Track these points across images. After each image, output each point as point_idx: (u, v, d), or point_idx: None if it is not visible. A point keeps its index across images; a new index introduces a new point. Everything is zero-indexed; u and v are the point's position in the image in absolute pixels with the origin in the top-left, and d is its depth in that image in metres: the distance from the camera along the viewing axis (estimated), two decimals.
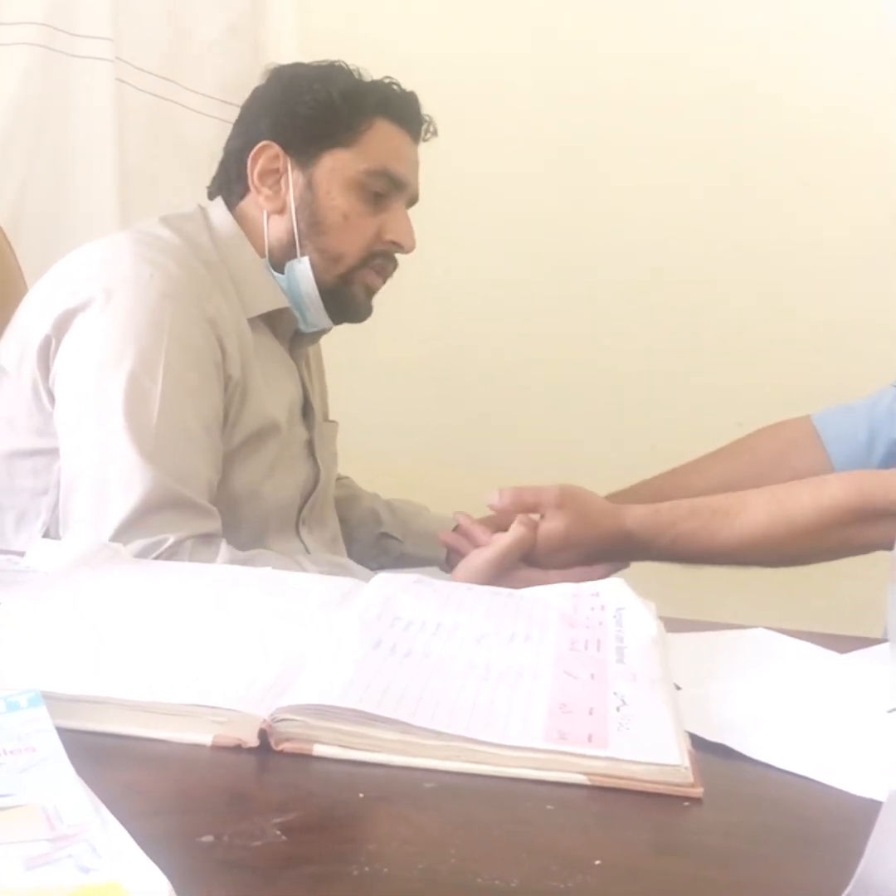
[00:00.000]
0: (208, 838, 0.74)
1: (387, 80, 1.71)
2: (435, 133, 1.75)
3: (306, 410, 1.75)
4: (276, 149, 1.66)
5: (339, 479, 1.94)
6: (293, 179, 1.66)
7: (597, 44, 2.74)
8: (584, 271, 2.79)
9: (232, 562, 1.44)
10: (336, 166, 1.65)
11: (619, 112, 2.75)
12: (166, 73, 2.53)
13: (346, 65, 1.71)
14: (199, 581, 1.23)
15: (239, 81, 2.36)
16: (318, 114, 1.65)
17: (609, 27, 2.74)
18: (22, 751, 0.80)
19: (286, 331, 1.71)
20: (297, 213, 1.65)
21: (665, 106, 2.73)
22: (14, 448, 1.58)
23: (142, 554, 1.41)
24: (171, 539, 1.42)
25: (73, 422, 1.51)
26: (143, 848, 0.70)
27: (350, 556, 1.85)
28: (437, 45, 2.72)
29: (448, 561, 1.81)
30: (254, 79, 1.79)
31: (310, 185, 1.66)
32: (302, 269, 1.66)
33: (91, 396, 1.49)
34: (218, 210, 1.70)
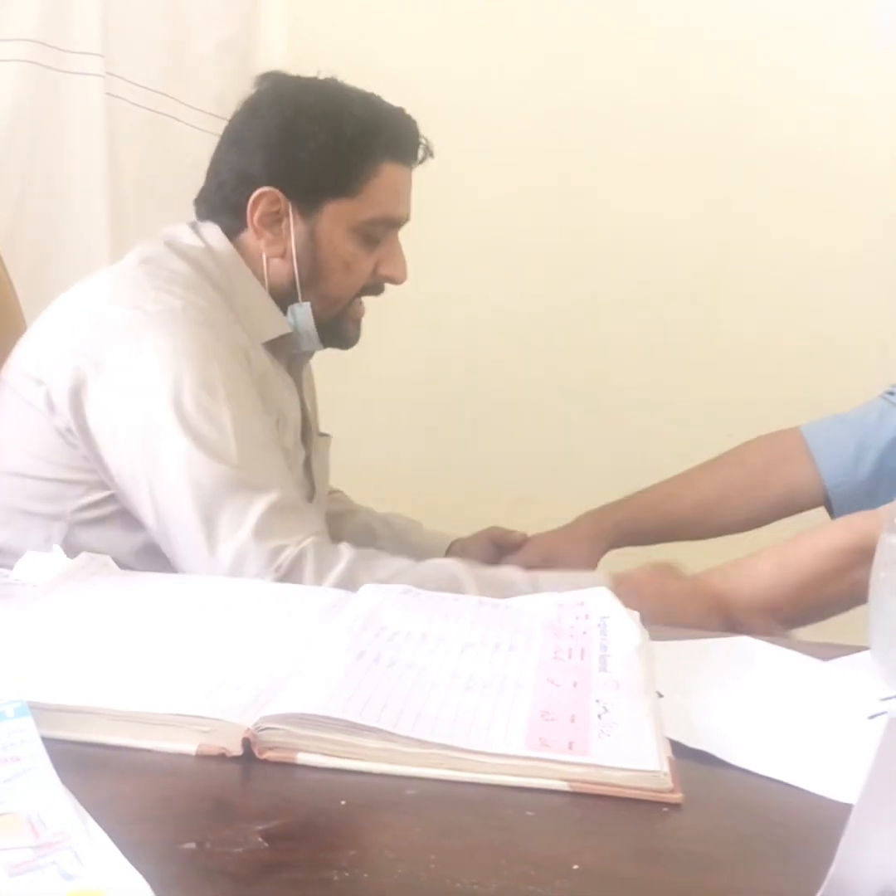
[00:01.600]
0: (191, 845, 0.75)
1: (390, 109, 1.67)
2: (431, 155, 1.71)
3: (305, 429, 1.75)
4: (276, 194, 1.62)
5: (331, 492, 1.95)
6: (295, 227, 1.63)
7: (591, 58, 2.75)
8: (577, 286, 2.80)
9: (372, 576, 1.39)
10: (339, 215, 1.62)
11: (612, 128, 2.76)
12: (159, 87, 2.54)
13: (351, 94, 1.66)
14: (184, 593, 1.24)
15: (232, 95, 2.37)
16: (322, 164, 1.61)
17: (602, 42, 2.75)
18: (7, 760, 0.81)
19: (286, 353, 1.70)
20: (298, 259, 1.63)
21: (656, 121, 2.75)
22: (14, 469, 1.57)
23: (262, 572, 1.38)
24: (290, 548, 1.40)
25: (140, 457, 1.46)
26: (126, 855, 0.71)
27: None
28: (428, 60, 2.74)
29: None
30: (246, 93, 1.74)
31: (312, 235, 1.63)
32: (303, 312, 1.65)
33: (154, 429, 1.45)
34: (216, 234, 1.66)
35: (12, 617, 1.10)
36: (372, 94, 1.67)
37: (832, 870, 0.70)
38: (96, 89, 2.45)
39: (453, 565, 1.48)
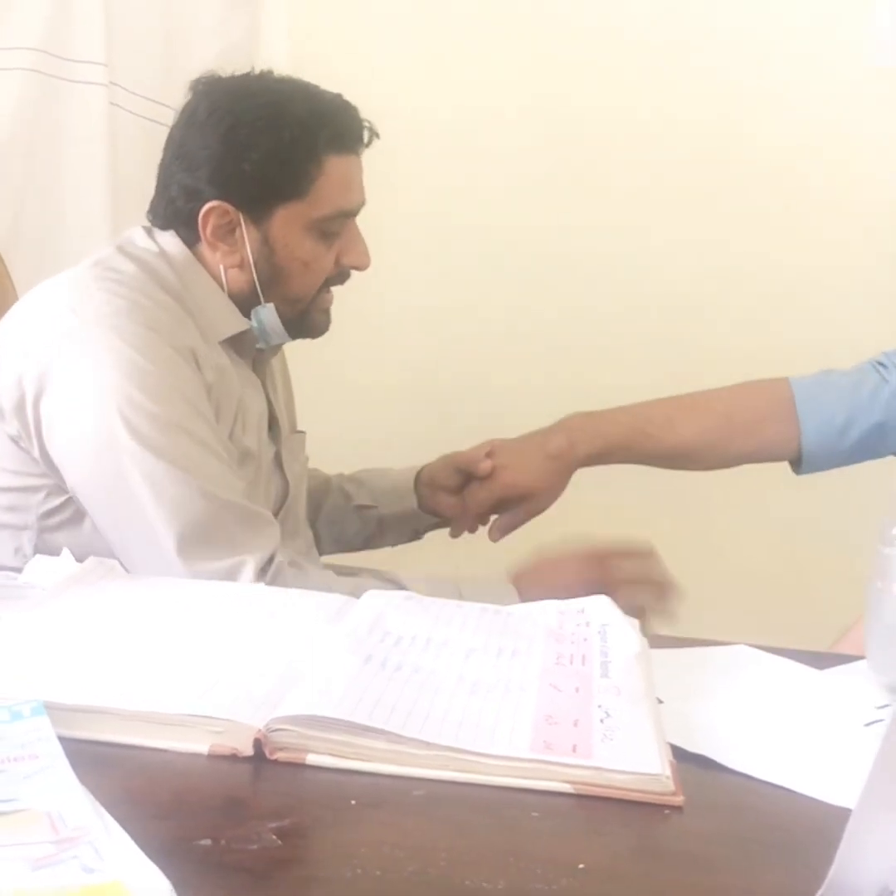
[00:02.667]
0: (206, 842, 0.77)
1: (328, 101, 1.62)
2: (377, 136, 1.66)
3: (272, 425, 1.74)
4: (225, 206, 1.59)
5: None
6: (248, 234, 1.61)
7: (586, 74, 2.76)
8: (570, 296, 2.81)
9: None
10: (291, 218, 1.60)
11: (607, 138, 2.77)
12: (160, 97, 2.55)
13: (287, 92, 1.61)
14: (192, 595, 1.26)
15: None
16: (266, 172, 1.58)
17: (597, 60, 2.77)
18: (25, 758, 0.83)
19: (248, 349, 1.69)
20: (256, 266, 1.62)
21: (651, 132, 2.76)
22: None
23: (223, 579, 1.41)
24: (251, 563, 1.43)
25: (87, 466, 1.48)
26: (143, 850, 0.72)
27: (337, 541, 1.91)
28: (429, 68, 2.75)
29: (421, 506, 1.86)
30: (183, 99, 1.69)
31: (266, 241, 1.61)
32: (267, 314, 1.64)
33: (104, 438, 1.46)
34: (171, 239, 1.64)
35: (24, 619, 1.12)
36: (307, 87, 1.64)
37: (832, 871, 0.72)
38: (99, 98, 2.46)
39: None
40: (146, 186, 1.69)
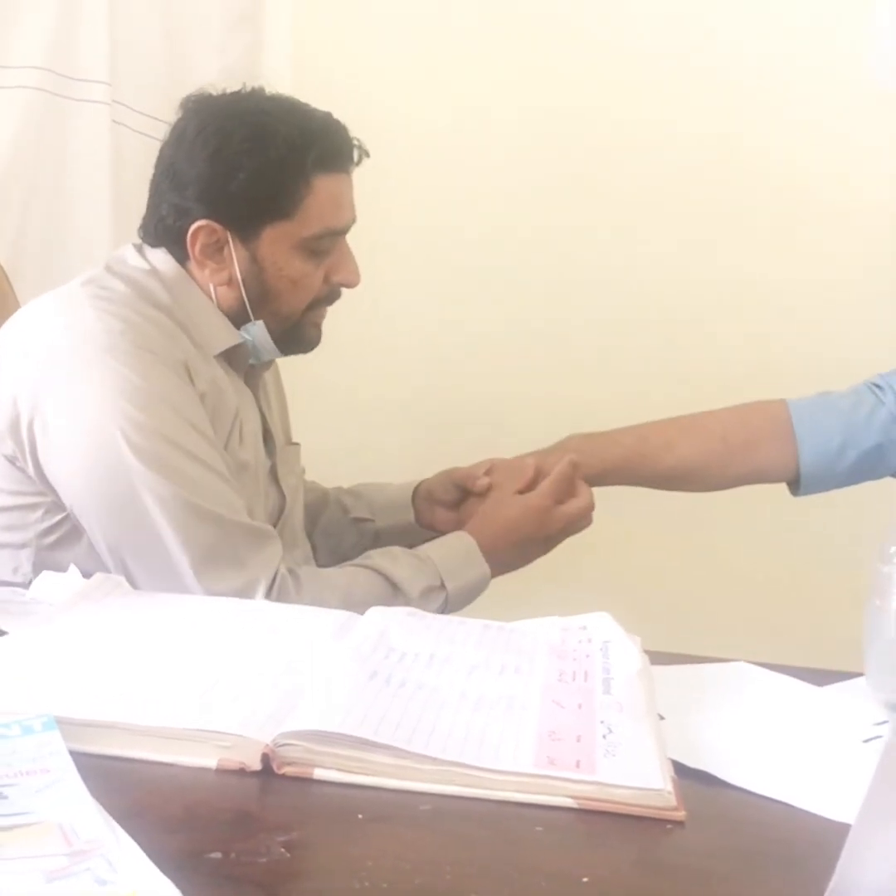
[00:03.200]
0: (216, 855, 0.79)
1: (317, 120, 1.61)
2: (367, 155, 1.66)
3: (266, 438, 1.75)
4: (213, 226, 1.59)
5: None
6: (236, 253, 1.61)
7: (589, 80, 2.76)
8: (569, 309, 2.82)
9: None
10: (279, 237, 1.61)
11: (608, 150, 2.78)
12: (163, 115, 2.55)
13: (276, 112, 1.60)
14: (198, 611, 1.27)
15: None
16: (254, 192, 1.58)
17: (601, 65, 2.77)
18: (37, 771, 0.84)
19: (241, 363, 1.69)
20: (244, 284, 1.62)
21: (652, 144, 2.77)
22: None
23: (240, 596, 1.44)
24: (263, 582, 1.46)
25: (90, 488, 1.49)
26: (154, 863, 0.74)
27: (334, 553, 1.90)
28: (430, 86, 2.77)
29: (417, 520, 1.88)
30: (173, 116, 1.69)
31: (254, 259, 1.62)
32: (257, 331, 1.65)
33: (108, 460, 1.47)
34: (163, 258, 1.64)
35: (34, 634, 1.13)
36: (296, 105, 1.63)
37: (832, 884, 0.74)
38: (102, 117, 2.48)
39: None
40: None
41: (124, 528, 1.48)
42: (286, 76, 2.66)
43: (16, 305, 2.03)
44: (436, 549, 1.65)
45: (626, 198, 2.79)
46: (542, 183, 2.80)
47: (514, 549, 1.70)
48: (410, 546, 1.91)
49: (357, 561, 1.63)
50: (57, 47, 2.44)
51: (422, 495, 1.88)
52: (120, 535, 1.48)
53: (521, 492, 1.74)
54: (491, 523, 1.71)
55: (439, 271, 2.80)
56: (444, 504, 1.85)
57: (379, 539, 1.90)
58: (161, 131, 2.51)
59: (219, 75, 2.61)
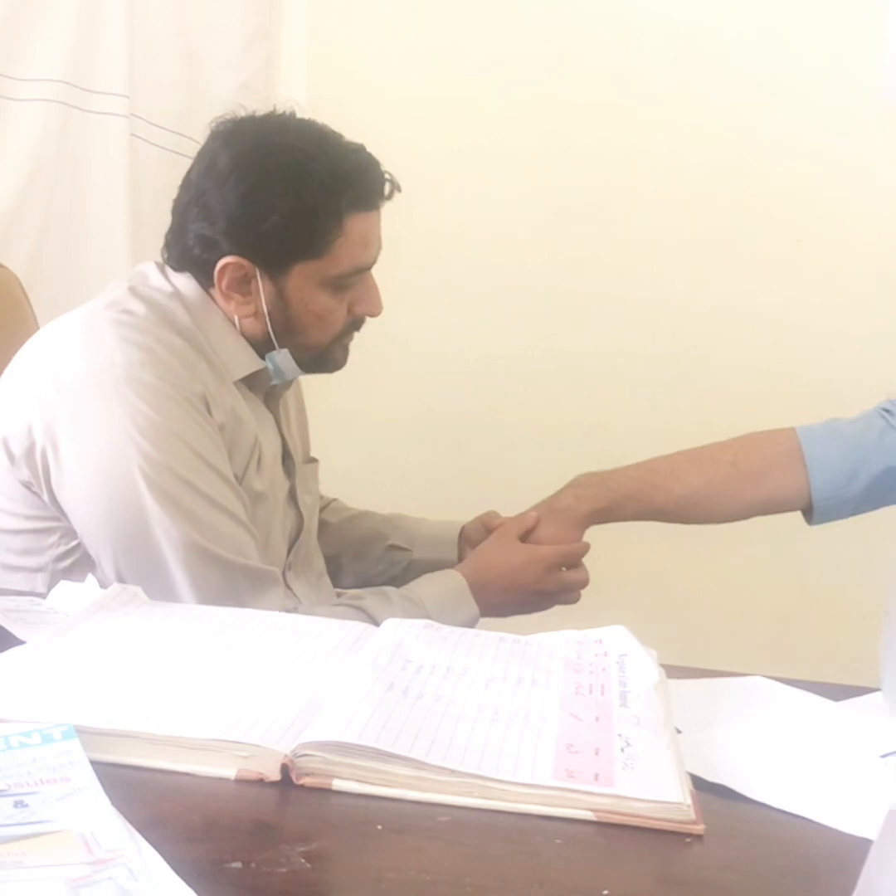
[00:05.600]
0: (237, 864, 0.79)
1: (351, 157, 1.59)
2: (399, 189, 1.64)
3: (285, 459, 1.75)
4: (241, 261, 1.57)
5: (328, 503, 1.98)
6: (264, 287, 1.60)
7: (600, 109, 2.79)
8: (581, 333, 2.83)
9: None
10: (308, 274, 1.60)
11: (620, 178, 2.80)
12: (180, 129, 2.58)
13: (310, 147, 1.57)
14: (214, 622, 1.27)
15: None
16: (286, 233, 1.56)
17: (612, 94, 2.79)
18: (58, 780, 0.85)
19: (262, 385, 1.69)
20: (270, 316, 1.61)
21: (662, 172, 2.79)
22: None
23: None
24: None
25: (104, 520, 1.50)
26: (175, 872, 0.74)
27: (356, 574, 1.92)
28: (443, 102, 2.78)
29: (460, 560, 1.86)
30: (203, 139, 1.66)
31: (281, 295, 1.61)
32: (283, 359, 1.65)
33: (122, 494, 1.48)
34: (187, 282, 1.63)
35: (51, 644, 1.13)
36: (330, 140, 1.60)
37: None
38: (120, 129, 2.50)
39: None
40: (166, 216, 1.69)
41: (133, 560, 1.49)
42: (301, 92, 2.68)
43: (32, 318, 2.04)
44: (428, 589, 1.66)
45: (636, 223, 2.81)
46: (553, 208, 2.82)
47: (506, 595, 1.71)
48: None
49: (350, 599, 1.63)
50: (76, 60, 2.46)
51: (463, 536, 1.89)
52: (128, 566, 1.49)
53: (520, 538, 1.76)
54: (493, 565, 1.72)
55: (452, 294, 2.82)
56: (474, 546, 1.84)
57: (410, 570, 1.89)
58: (178, 144, 2.57)
59: (235, 89, 2.64)
